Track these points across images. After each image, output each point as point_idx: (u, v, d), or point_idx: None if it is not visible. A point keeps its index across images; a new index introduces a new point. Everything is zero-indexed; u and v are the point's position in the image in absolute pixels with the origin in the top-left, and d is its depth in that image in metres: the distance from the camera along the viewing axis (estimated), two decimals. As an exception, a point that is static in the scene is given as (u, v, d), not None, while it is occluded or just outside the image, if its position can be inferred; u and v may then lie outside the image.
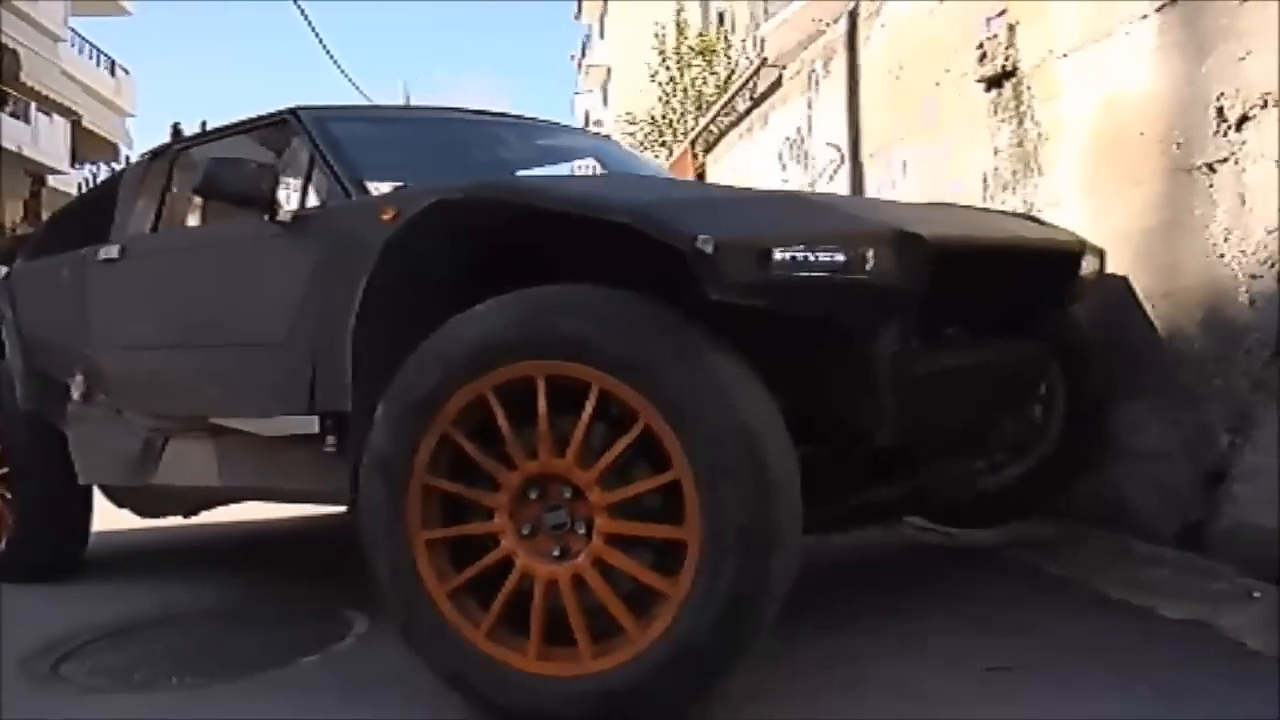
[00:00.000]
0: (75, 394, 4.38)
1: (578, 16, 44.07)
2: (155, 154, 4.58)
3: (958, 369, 3.09)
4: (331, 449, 3.23)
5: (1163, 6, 3.84)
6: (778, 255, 2.42)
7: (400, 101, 19.32)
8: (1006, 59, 4.79)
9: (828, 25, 7.80)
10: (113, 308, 4.26)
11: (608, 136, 6.30)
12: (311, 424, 3.27)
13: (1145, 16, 3.93)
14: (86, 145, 32.13)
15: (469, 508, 2.67)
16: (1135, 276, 3.91)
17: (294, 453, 3.42)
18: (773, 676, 2.81)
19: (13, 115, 27.23)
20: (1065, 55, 4.43)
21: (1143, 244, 3.90)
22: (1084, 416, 3.90)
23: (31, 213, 26.64)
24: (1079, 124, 4.36)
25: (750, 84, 10.28)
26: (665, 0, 21.31)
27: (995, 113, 4.94)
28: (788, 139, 8.27)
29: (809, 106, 7.78)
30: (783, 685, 2.79)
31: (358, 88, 18.29)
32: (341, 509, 3.83)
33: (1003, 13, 4.84)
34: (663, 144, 19.47)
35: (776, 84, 8.95)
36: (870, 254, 2.50)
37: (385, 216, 3.01)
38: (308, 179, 3.68)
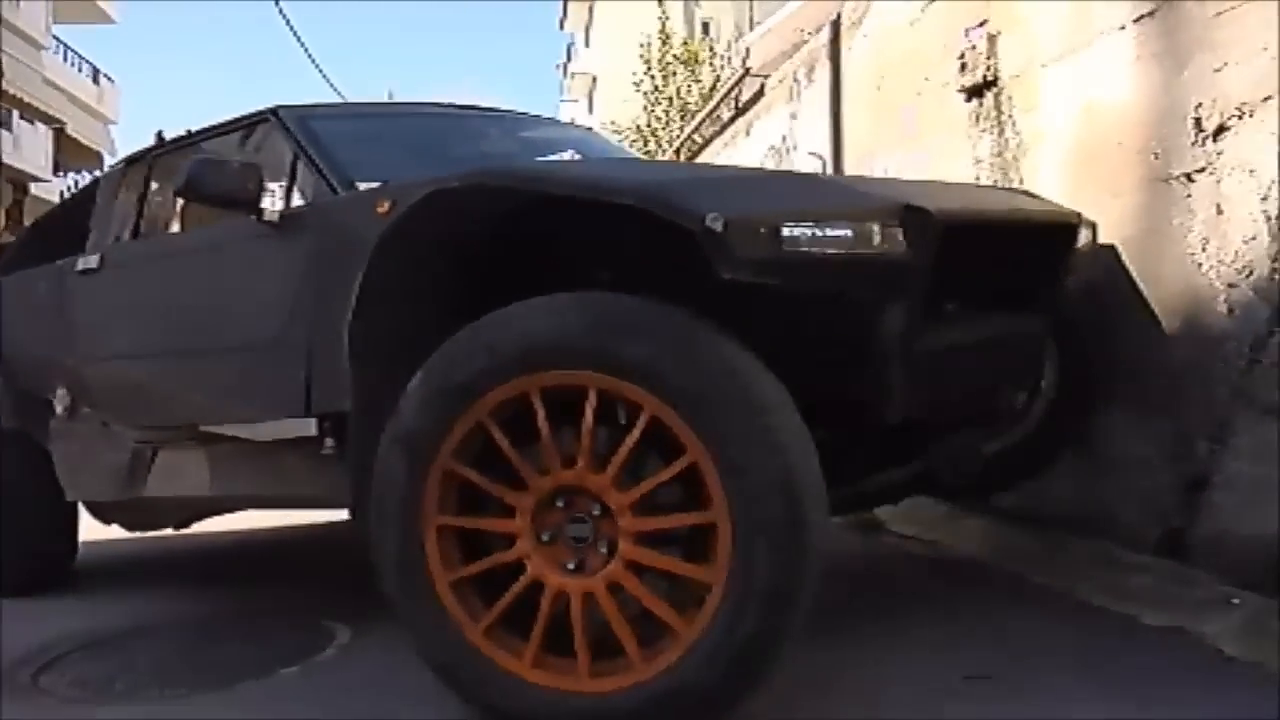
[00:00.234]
0: (59, 409, 4.34)
1: (562, 26, 44.12)
2: (131, 160, 4.55)
3: (963, 344, 3.07)
4: (330, 451, 3.19)
5: (1140, 18, 3.86)
6: (787, 232, 2.41)
7: (385, 110, 19.21)
8: (987, 69, 4.81)
9: (810, 35, 7.84)
10: (95, 318, 4.23)
11: (589, 128, 6.30)
12: (309, 426, 3.22)
13: (1123, 27, 3.95)
14: (70, 153, 32.02)
15: (488, 502, 2.63)
16: (1115, 285, 3.92)
17: (290, 457, 3.39)
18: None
19: (-4, 123, 27.17)
20: (1045, 65, 4.45)
21: (1122, 253, 3.91)
22: (1074, 389, 3.87)
23: (14, 221, 26.50)
24: (1059, 134, 4.38)
25: (734, 93, 10.30)
26: (650, 6, 21.31)
27: (976, 122, 4.97)
28: (772, 148, 8.29)
29: (792, 116, 7.81)
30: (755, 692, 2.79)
31: (340, 94, 18.23)
32: (329, 515, 3.82)
33: (983, 23, 4.86)
34: (648, 153, 19.48)
35: (760, 93, 8.98)
36: (878, 229, 2.51)
37: (380, 210, 2.98)
38: (292, 178, 3.64)
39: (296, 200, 3.62)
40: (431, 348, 2.66)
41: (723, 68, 18.46)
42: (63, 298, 4.34)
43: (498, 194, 2.78)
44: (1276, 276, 3.30)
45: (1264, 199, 3.33)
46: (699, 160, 11.23)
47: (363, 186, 3.45)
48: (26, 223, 21.71)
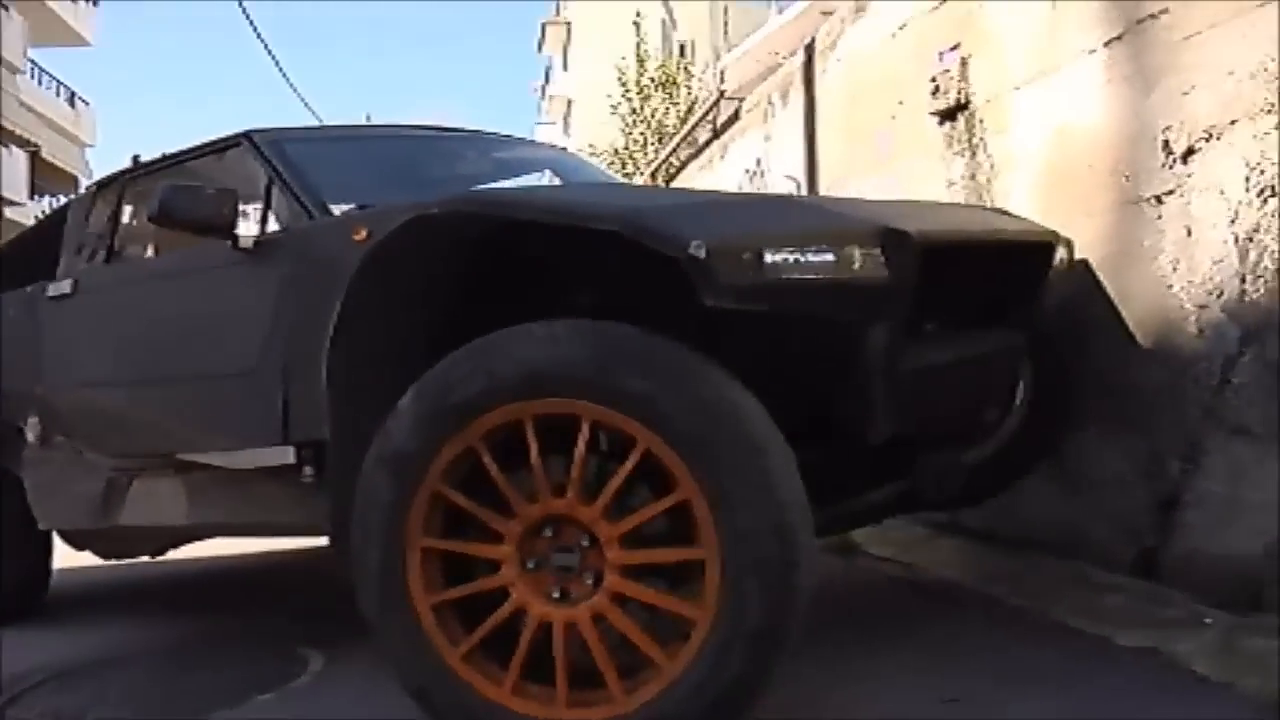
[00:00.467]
0: (31, 437, 4.30)
1: (540, 48, 44.26)
2: (103, 184, 4.52)
3: (944, 363, 3.08)
4: (309, 479, 3.17)
5: (1110, 41, 3.90)
6: (769, 258, 2.43)
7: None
8: (959, 92, 4.85)
9: (785, 58, 7.88)
10: (68, 345, 4.19)
11: (564, 149, 6.30)
12: (287, 454, 3.20)
13: (1093, 51, 3.99)
14: (46, 176, 31.89)
15: (474, 527, 2.61)
16: (1090, 303, 3.95)
17: (268, 485, 3.36)
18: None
19: (-29, 148, 27.04)
20: (1017, 89, 4.49)
21: (1096, 273, 3.94)
22: (1049, 402, 3.89)
23: (-11, 246, 26.34)
24: (1031, 156, 4.41)
25: (712, 116, 10.35)
26: (628, 29, 21.39)
27: (949, 145, 5.00)
28: (747, 171, 8.32)
29: (767, 139, 7.84)
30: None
31: (317, 116, 18.26)
32: (304, 543, 3.80)
33: (955, 47, 4.90)
34: (625, 175, 19.54)
35: (735, 116, 9.01)
36: (859, 252, 2.53)
37: (358, 236, 2.97)
38: (267, 202, 3.63)
39: (271, 225, 3.61)
40: (411, 375, 2.64)
41: (700, 90, 18.54)
42: (34, 324, 4.31)
43: (478, 220, 2.78)
44: (1246, 298, 3.33)
45: (1232, 221, 3.36)
46: (676, 183, 11.26)
47: (338, 210, 3.44)
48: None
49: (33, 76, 32.18)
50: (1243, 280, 3.33)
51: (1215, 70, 3.41)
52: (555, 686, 2.46)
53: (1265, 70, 3.22)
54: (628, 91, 20.64)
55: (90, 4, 34.64)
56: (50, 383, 4.22)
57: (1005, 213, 4.05)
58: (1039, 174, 4.36)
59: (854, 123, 6.17)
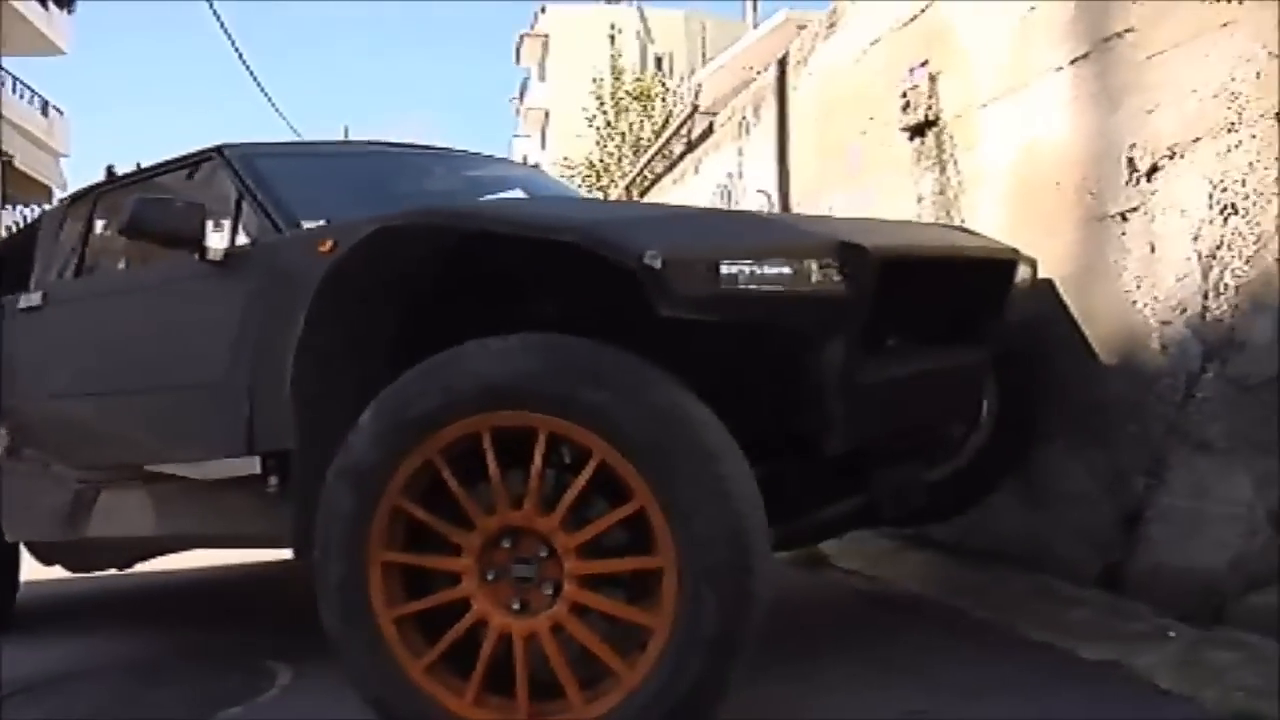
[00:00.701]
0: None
1: (517, 60, 44.30)
2: (75, 198, 4.53)
3: (904, 377, 3.11)
4: (274, 489, 3.18)
5: (1076, 59, 3.94)
6: (725, 270, 2.45)
7: (337, 144, 19.21)
8: (929, 108, 4.88)
9: (759, 72, 7.92)
10: (37, 357, 4.19)
11: (536, 166, 6.33)
12: (252, 465, 3.21)
13: (1060, 69, 4.03)
14: (18, 186, 31.62)
15: (435, 540, 2.62)
16: (1054, 320, 3.98)
17: (234, 496, 3.36)
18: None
19: (-59, 156, 26.85)
20: (985, 105, 4.52)
21: (1061, 289, 3.98)
22: (1015, 418, 3.92)
23: (-40, 256, 26.15)
24: (999, 173, 4.45)
25: (687, 129, 10.39)
26: (605, 43, 21.47)
27: (918, 161, 5.04)
28: (720, 185, 8.35)
29: (740, 153, 7.88)
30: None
31: (292, 127, 18.33)
32: (271, 555, 3.79)
33: (925, 63, 4.94)
34: (600, 188, 19.58)
35: (709, 130, 9.05)
36: (815, 266, 2.55)
37: (323, 248, 2.98)
38: (236, 216, 3.64)
39: (241, 239, 3.62)
40: (375, 385, 2.65)
41: (676, 103, 18.61)
42: (4, 336, 4.30)
43: (441, 233, 2.80)
44: (1209, 314, 3.36)
45: (1195, 238, 3.40)
46: (650, 196, 11.30)
47: (307, 225, 3.45)
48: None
49: (5, 84, 31.96)
50: (1205, 297, 3.37)
51: (1178, 89, 3.45)
52: (516, 697, 2.47)
53: (1226, 90, 3.26)
54: (603, 104, 20.69)
55: (65, 12, 34.45)
56: (20, 394, 4.21)
57: (968, 230, 4.09)
58: (1007, 190, 4.40)
59: (826, 138, 6.21)
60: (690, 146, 9.85)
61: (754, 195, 7.35)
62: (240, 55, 28.91)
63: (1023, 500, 4.11)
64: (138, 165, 4.39)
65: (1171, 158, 3.49)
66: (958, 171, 4.74)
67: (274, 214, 3.52)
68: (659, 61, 26.66)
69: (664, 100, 20.60)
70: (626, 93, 20.78)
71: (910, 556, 4.64)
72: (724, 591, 2.31)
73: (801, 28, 7.79)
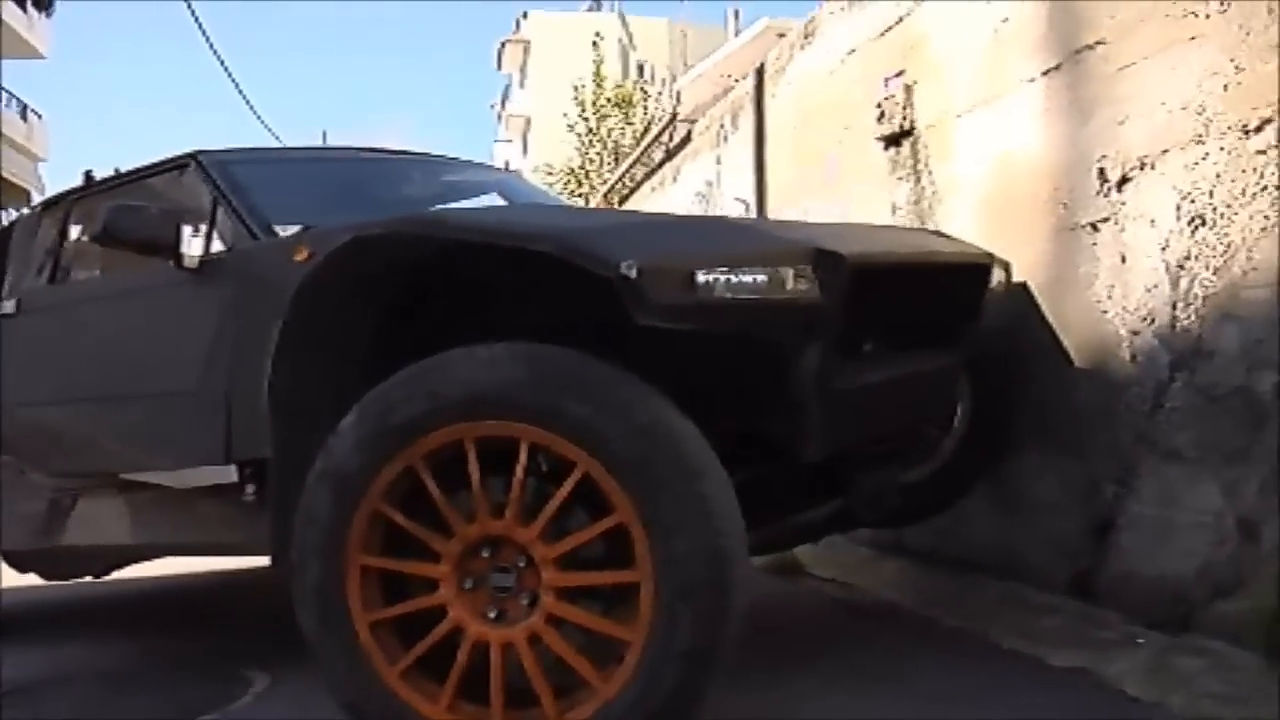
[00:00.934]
0: None
1: (499, 66, 44.31)
2: (49, 204, 4.51)
3: (880, 382, 3.11)
4: (251, 498, 3.17)
5: (1049, 71, 3.98)
6: (700, 278, 2.45)
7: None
8: (904, 118, 4.92)
9: (738, 81, 7.95)
10: (12, 365, 4.15)
11: (514, 171, 6.32)
12: (229, 473, 3.20)
13: (1033, 80, 4.06)
14: (-4, 191, 31.51)
15: (413, 547, 2.61)
16: (1027, 330, 4.01)
17: (211, 504, 3.35)
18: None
19: (-80, 160, 26.70)
20: (959, 116, 4.56)
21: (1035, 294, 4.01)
22: (989, 422, 3.93)
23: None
24: (973, 183, 4.48)
25: (667, 136, 10.41)
26: (587, 49, 21.50)
27: (894, 171, 5.07)
28: (698, 193, 8.38)
29: (719, 161, 7.90)
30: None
31: (273, 132, 18.29)
32: (247, 562, 3.78)
33: (900, 73, 4.97)
34: (581, 195, 19.60)
35: (688, 138, 9.08)
36: (791, 273, 2.56)
37: (299, 257, 2.99)
38: (212, 223, 3.62)
39: (217, 246, 3.60)
40: (352, 394, 2.65)
41: (656, 111, 18.66)
42: None
43: (417, 241, 2.80)
44: (1177, 324, 3.40)
45: (1164, 248, 3.43)
46: (630, 203, 11.32)
47: (283, 232, 3.45)
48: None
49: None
50: (1174, 307, 3.40)
51: (1148, 101, 3.49)
52: (491, 705, 2.47)
53: (1194, 102, 3.30)
54: (584, 111, 20.72)
55: (44, 16, 34.30)
56: (-7, 402, 4.18)
57: (944, 235, 4.11)
58: (981, 200, 4.43)
59: (803, 146, 6.24)
60: (670, 154, 9.87)
61: (732, 203, 7.37)
62: (220, 59, 28.83)
63: (995, 508, 4.14)
64: (116, 170, 4.38)
65: (1141, 169, 3.53)
66: (932, 181, 4.77)
67: (249, 221, 3.51)
68: (641, 68, 26.70)
69: (645, 107, 20.64)
70: (607, 99, 20.81)
71: (886, 564, 4.66)
72: (701, 608, 2.32)
73: (782, 36, 7.83)
